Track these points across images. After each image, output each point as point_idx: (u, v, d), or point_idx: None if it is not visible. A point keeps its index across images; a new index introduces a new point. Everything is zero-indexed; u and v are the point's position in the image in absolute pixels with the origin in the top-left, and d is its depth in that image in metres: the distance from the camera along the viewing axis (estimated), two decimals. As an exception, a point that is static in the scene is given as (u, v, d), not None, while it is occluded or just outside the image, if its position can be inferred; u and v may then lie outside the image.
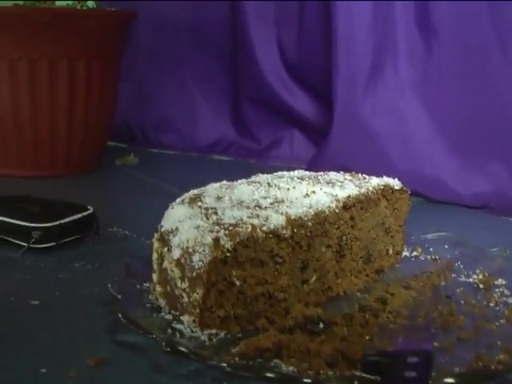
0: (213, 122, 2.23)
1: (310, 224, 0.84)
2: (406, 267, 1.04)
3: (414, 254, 1.09)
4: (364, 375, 0.65)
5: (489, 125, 1.51)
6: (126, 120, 2.34)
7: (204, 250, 0.76)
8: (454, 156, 1.55)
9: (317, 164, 1.47)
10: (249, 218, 0.80)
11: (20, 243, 1.10)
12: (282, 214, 0.82)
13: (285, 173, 1.03)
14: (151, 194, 1.50)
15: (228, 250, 0.76)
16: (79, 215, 1.16)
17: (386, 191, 0.99)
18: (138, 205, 1.44)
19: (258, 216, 0.80)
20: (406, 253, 1.09)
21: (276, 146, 2.05)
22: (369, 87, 1.62)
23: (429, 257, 1.08)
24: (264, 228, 0.79)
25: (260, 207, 0.83)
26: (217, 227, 0.78)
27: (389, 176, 1.04)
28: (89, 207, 1.18)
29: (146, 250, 0.91)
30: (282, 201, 0.86)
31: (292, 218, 0.82)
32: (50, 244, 1.11)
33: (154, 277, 0.85)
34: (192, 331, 0.77)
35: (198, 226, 0.79)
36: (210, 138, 2.22)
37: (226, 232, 0.77)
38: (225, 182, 0.96)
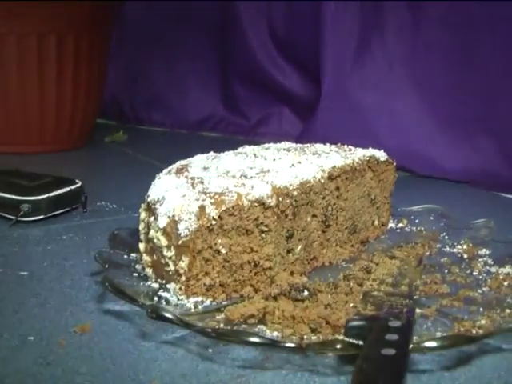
0: (202, 98, 2.24)
1: (295, 193, 0.84)
2: (391, 238, 1.05)
3: (400, 225, 1.10)
4: (347, 339, 0.65)
5: (477, 101, 1.52)
6: (115, 97, 2.34)
7: (190, 218, 0.76)
8: (441, 131, 1.56)
9: (304, 139, 1.47)
10: (234, 186, 0.80)
11: (8, 216, 1.11)
12: (267, 182, 0.82)
13: (271, 144, 1.03)
14: (140, 170, 1.51)
15: (214, 218, 0.77)
16: (67, 189, 1.16)
17: (371, 162, 0.99)
18: (127, 180, 1.44)
19: (243, 185, 0.81)
20: (391, 224, 1.10)
21: (265, 123, 2.05)
22: (356, 62, 1.63)
23: (414, 228, 1.09)
24: (249, 196, 0.79)
25: (246, 177, 0.83)
26: (203, 196, 0.78)
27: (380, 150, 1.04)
28: (77, 181, 1.19)
29: (134, 222, 0.91)
30: (268, 171, 0.86)
31: (277, 186, 0.82)
32: (39, 217, 1.11)
33: (141, 246, 0.85)
34: (178, 299, 0.77)
35: (185, 195, 0.79)
36: (200, 115, 2.23)
37: (212, 200, 0.77)
38: (211, 153, 0.97)
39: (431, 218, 1.10)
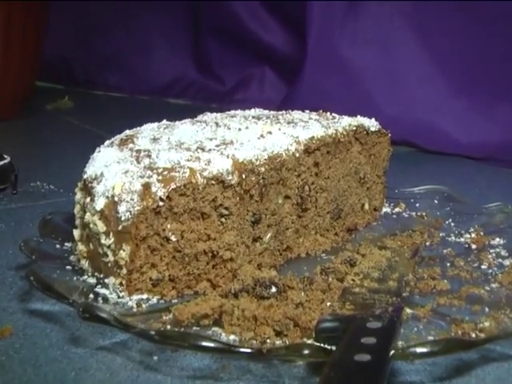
0: (169, 58, 2.24)
1: (262, 169, 0.84)
2: (384, 225, 1.06)
3: (397, 210, 1.11)
4: (317, 344, 0.65)
5: (496, 61, 1.52)
6: (64, 56, 2.33)
7: (132, 199, 0.76)
8: (453, 98, 1.56)
9: (288, 107, 1.47)
10: (187, 161, 0.80)
11: None
12: (228, 156, 0.82)
13: (238, 112, 1.03)
14: (87, 144, 1.48)
15: (161, 199, 0.76)
16: (-7, 165, 1.16)
17: (359, 133, 0.99)
18: (70, 156, 1.43)
19: (198, 159, 0.81)
20: (386, 209, 1.10)
21: (243, 87, 2.05)
22: (349, 14, 1.62)
23: (414, 213, 1.09)
24: (205, 173, 0.79)
25: (203, 149, 0.83)
26: (149, 172, 0.78)
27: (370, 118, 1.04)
28: (5, 156, 1.18)
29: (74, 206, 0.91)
30: (231, 142, 0.86)
31: (240, 161, 0.82)
32: (-42, 200, 1.11)
33: (76, 233, 0.86)
34: (118, 296, 0.78)
35: (127, 171, 0.79)
36: (165, 78, 2.23)
37: (159, 177, 0.77)
38: (164, 121, 0.97)
39: (435, 202, 1.11)
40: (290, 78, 1.88)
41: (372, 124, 1.02)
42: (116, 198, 0.77)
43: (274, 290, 0.77)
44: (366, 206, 1.05)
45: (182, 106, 2.06)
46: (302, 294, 0.78)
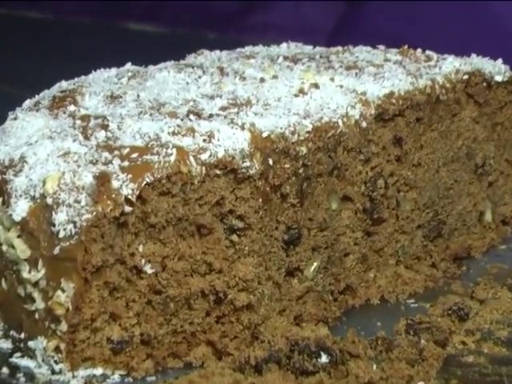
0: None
1: (303, 150, 0.86)
2: (521, 251, 1.09)
3: (544, 224, 1.14)
4: None
5: None
6: None
7: (78, 201, 0.78)
8: None
9: (348, 38, 1.48)
10: (172, 135, 0.82)
11: None
12: (242, 128, 0.84)
13: (259, 48, 1.07)
14: None
15: (128, 201, 0.78)
16: None
17: (474, 86, 1.02)
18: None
19: (191, 132, 0.83)
20: (524, 223, 1.13)
21: (265, 2, 2.07)
22: None
23: None
24: (204, 156, 0.81)
25: (199, 116, 0.86)
26: (106, 154, 0.80)
27: (496, 59, 1.07)
28: None
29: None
30: (248, 103, 0.89)
31: (264, 136, 0.84)
32: None
33: (-24, 262, 0.88)
34: (52, 371, 0.80)
35: (67, 153, 0.81)
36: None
37: (125, 164, 0.79)
38: (129, 65, 1.00)
39: None
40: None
41: (498, 69, 1.04)
42: (49, 200, 0.79)
43: (324, 359, 0.80)
44: (488, 217, 1.07)
45: (157, 37, 2.07)
46: (375, 366, 0.80)
